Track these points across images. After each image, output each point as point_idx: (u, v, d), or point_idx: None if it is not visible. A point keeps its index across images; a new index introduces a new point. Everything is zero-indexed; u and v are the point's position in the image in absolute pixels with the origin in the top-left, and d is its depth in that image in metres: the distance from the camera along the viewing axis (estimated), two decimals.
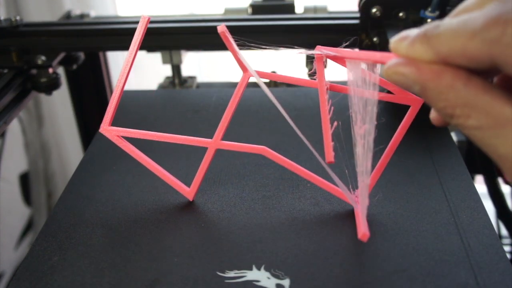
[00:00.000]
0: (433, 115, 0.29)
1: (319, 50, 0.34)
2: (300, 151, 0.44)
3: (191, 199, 0.39)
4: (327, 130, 0.35)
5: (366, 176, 0.30)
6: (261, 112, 0.51)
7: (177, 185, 0.39)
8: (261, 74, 0.36)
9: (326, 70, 0.37)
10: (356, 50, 0.56)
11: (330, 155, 0.34)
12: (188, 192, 0.39)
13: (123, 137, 0.38)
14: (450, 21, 0.22)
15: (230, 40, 0.33)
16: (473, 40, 0.21)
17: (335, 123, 0.34)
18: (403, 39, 0.24)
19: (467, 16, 0.21)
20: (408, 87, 0.24)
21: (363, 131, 0.29)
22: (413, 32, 0.24)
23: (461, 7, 0.24)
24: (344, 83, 0.36)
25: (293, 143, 0.46)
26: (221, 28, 0.33)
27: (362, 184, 0.31)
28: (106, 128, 0.38)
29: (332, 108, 0.34)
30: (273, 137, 0.47)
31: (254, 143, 0.37)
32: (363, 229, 0.32)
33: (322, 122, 0.35)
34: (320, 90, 0.35)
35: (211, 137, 0.49)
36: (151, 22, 0.58)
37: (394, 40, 0.24)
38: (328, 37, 0.56)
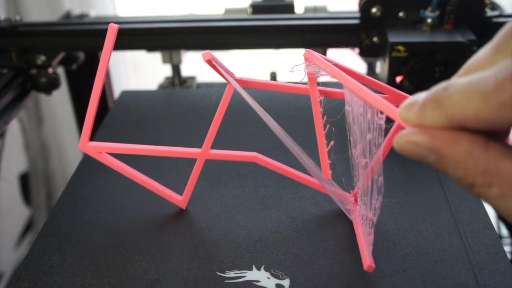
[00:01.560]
0: None
1: (312, 66, 0.32)
2: None
3: (184, 208, 0.39)
4: (323, 148, 0.35)
5: (371, 212, 0.30)
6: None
7: (169, 195, 0.38)
8: (248, 83, 0.35)
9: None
10: (357, 50, 0.56)
11: (327, 173, 0.35)
12: (180, 201, 0.39)
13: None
14: (459, 81, 0.20)
15: (216, 66, 0.32)
16: (486, 103, 0.19)
17: (332, 142, 0.34)
18: (411, 107, 0.22)
19: (477, 76, 0.20)
20: (421, 157, 0.22)
21: (365, 164, 0.29)
22: (420, 97, 0.22)
23: (469, 63, 0.22)
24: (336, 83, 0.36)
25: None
26: (206, 56, 0.31)
27: (367, 219, 0.31)
28: (86, 145, 0.35)
29: (328, 126, 0.34)
30: (271, 137, 0.47)
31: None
32: (368, 262, 0.31)
33: (317, 139, 0.35)
34: (315, 110, 0.34)
35: None
36: (151, 22, 0.58)
37: (402, 108, 0.22)
38: (328, 37, 0.56)
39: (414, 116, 0.22)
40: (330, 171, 0.35)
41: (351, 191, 0.37)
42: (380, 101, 0.25)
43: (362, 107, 0.27)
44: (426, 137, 0.21)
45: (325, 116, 0.34)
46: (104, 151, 0.36)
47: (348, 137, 0.31)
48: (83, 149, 0.36)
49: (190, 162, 0.42)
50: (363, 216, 0.32)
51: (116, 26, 0.33)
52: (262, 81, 0.35)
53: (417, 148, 0.22)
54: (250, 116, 0.50)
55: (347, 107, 0.30)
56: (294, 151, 0.33)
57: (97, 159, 0.36)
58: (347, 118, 0.30)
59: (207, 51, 0.31)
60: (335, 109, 0.34)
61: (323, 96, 0.34)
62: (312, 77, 0.34)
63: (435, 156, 0.21)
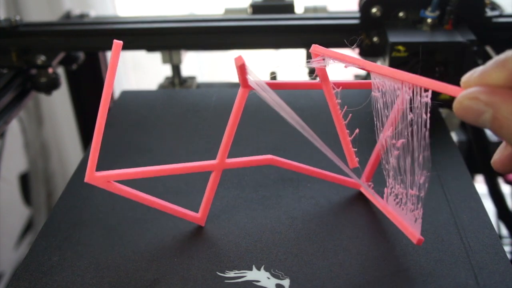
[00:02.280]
0: (497, 157, 0.28)
1: (321, 60, 0.32)
2: (301, 150, 0.44)
3: (203, 225, 0.37)
4: (346, 137, 0.36)
5: (414, 189, 0.31)
6: (260, 113, 0.51)
7: (185, 214, 0.37)
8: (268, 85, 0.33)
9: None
10: (357, 50, 0.56)
11: (354, 161, 0.37)
12: (198, 218, 0.37)
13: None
14: None
15: (247, 71, 0.31)
16: None
17: (357, 130, 0.35)
18: (473, 72, 0.25)
19: None
20: (478, 114, 0.24)
21: (401, 144, 0.30)
22: (480, 67, 0.25)
23: None
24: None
25: (293, 142, 0.46)
26: (239, 60, 0.30)
27: (409, 196, 0.32)
28: (94, 176, 0.32)
29: (350, 116, 0.35)
30: (271, 137, 0.47)
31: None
32: (417, 236, 0.32)
33: (338, 130, 0.35)
34: (331, 103, 0.35)
35: (210, 138, 0.49)
36: (151, 22, 0.58)
37: (465, 76, 0.25)
38: (328, 37, 0.56)
39: (476, 77, 0.24)
40: (356, 159, 0.37)
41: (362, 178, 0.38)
42: (424, 79, 0.27)
43: (398, 90, 0.29)
44: (487, 92, 0.24)
45: (346, 106, 0.35)
46: (114, 179, 0.33)
47: (375, 122, 0.32)
48: (91, 182, 0.32)
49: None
50: (398, 195, 0.33)
51: (120, 42, 0.31)
52: (276, 82, 0.34)
53: (476, 103, 0.24)
54: (248, 117, 0.50)
55: (374, 94, 0.31)
56: (319, 145, 0.33)
57: (106, 189, 0.34)
58: (374, 104, 0.32)
59: (240, 55, 0.30)
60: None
61: (340, 88, 0.34)
62: (323, 71, 0.34)
63: (492, 111, 0.24)
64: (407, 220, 0.33)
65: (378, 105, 0.32)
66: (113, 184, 0.34)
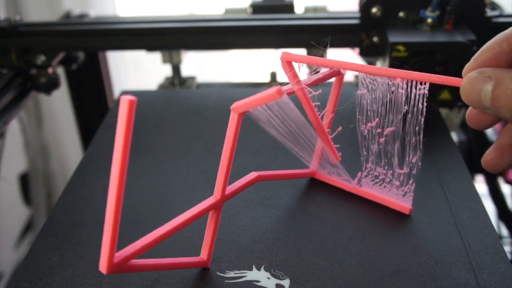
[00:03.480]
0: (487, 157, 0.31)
1: (292, 70, 0.33)
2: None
3: (208, 266, 0.34)
4: (326, 136, 0.37)
5: (404, 168, 0.35)
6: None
7: (191, 263, 0.33)
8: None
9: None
10: (357, 50, 0.56)
11: (337, 156, 0.38)
12: (203, 263, 0.34)
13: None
14: None
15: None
16: None
17: (340, 128, 0.36)
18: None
19: None
20: (480, 87, 0.27)
21: (388, 132, 0.34)
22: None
23: None
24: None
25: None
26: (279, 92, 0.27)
27: (397, 175, 0.36)
28: (113, 264, 0.26)
29: (332, 115, 0.36)
30: (266, 138, 0.47)
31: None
32: (408, 206, 0.37)
33: (317, 130, 0.35)
34: (306, 107, 0.35)
35: (210, 138, 0.49)
36: (151, 22, 0.58)
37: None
38: (328, 37, 0.56)
39: (472, 59, 0.29)
40: (339, 153, 0.38)
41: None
42: (419, 74, 0.30)
43: (393, 86, 0.32)
44: (490, 69, 0.27)
45: (325, 109, 0.36)
46: (135, 256, 0.28)
47: (357, 116, 0.35)
48: (111, 271, 0.26)
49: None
50: (379, 176, 0.37)
51: (134, 99, 0.23)
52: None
53: (481, 77, 0.27)
54: (247, 115, 0.50)
55: (360, 91, 0.34)
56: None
57: (131, 272, 0.29)
58: (359, 100, 0.34)
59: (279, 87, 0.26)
60: None
61: (320, 90, 0.35)
62: (294, 77, 0.33)
63: (493, 83, 0.27)
64: (392, 196, 0.37)
65: (365, 100, 0.34)
66: (133, 263, 0.28)
